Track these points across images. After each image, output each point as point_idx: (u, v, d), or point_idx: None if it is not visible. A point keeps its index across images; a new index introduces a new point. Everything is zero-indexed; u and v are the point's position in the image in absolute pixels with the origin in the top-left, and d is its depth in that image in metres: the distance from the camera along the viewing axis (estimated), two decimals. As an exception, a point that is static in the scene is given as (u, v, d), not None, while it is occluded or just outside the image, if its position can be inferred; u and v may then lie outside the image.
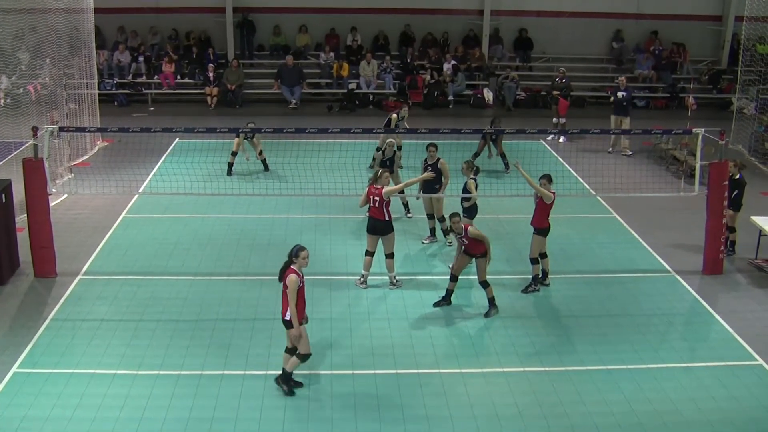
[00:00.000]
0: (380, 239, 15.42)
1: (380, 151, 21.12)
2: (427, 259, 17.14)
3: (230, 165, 22.01)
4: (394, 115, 22.58)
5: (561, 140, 26.47)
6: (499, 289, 15.24)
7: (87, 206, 19.59)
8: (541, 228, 15.53)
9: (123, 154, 22.40)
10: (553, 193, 15.39)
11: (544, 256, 15.71)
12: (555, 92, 27.42)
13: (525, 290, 15.52)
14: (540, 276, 15.68)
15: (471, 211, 16.54)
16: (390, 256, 15.53)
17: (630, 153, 25.49)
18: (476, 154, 22.72)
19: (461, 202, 16.68)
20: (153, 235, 18.08)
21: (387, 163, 18.90)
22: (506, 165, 22.93)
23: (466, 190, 16.50)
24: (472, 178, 16.51)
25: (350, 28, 33.39)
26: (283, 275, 11.79)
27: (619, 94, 25.83)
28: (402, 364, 12.88)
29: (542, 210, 15.46)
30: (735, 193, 16.95)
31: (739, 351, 13.57)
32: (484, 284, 14.56)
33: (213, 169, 21.84)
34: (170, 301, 14.92)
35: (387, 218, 15.28)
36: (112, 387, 12.08)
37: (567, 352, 13.42)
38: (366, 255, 15.54)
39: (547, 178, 15.44)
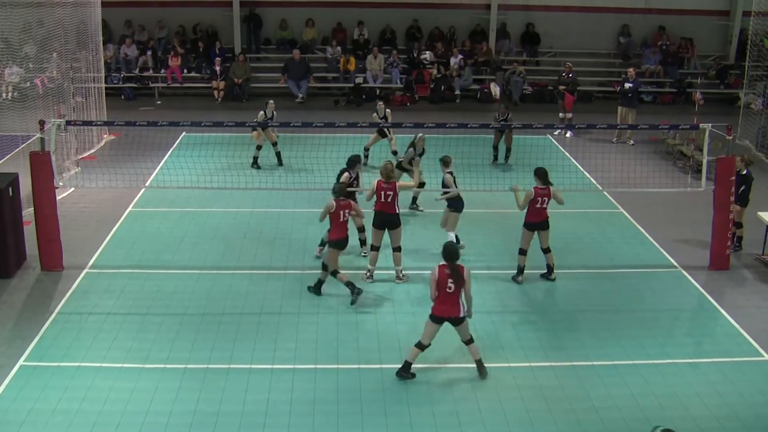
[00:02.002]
0: (388, 233, 15.49)
1: (412, 147, 21.19)
2: (433, 254, 17.10)
3: (255, 158, 22.35)
4: (374, 114, 23.05)
5: (568, 135, 26.46)
6: (506, 284, 15.31)
7: (94, 200, 19.62)
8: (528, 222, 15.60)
9: (130, 148, 22.40)
10: (535, 189, 15.33)
11: (548, 250, 15.72)
12: (561, 87, 27.44)
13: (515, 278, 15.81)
14: (547, 271, 15.76)
15: (456, 204, 16.61)
16: (398, 249, 15.60)
17: (633, 142, 25.63)
18: (494, 147, 22.98)
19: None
20: (160, 228, 18.11)
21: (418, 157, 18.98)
22: (506, 157, 23.29)
23: (445, 184, 16.58)
24: (448, 172, 16.58)
25: (357, 23, 33.37)
26: (461, 274, 11.94)
27: (627, 85, 26.04)
28: (408, 359, 12.89)
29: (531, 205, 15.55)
30: (742, 188, 16.91)
31: (745, 347, 13.55)
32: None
33: (220, 163, 21.85)
34: (177, 295, 14.94)
35: (397, 211, 15.43)
36: (118, 380, 12.11)
37: (573, 347, 13.41)
38: (372, 250, 15.55)
39: (537, 175, 15.49)
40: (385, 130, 22.39)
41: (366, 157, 22.56)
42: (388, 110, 23.37)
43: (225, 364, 12.65)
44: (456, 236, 16.97)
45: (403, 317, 14.27)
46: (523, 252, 15.60)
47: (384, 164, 15.65)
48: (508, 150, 23.18)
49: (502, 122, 22.11)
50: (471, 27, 33.98)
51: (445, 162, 16.78)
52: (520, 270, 15.71)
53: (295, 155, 20.82)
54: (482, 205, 19.46)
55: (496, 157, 23.44)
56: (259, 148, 22.14)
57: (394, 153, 22.35)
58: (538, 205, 15.32)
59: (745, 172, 16.96)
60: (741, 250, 17.35)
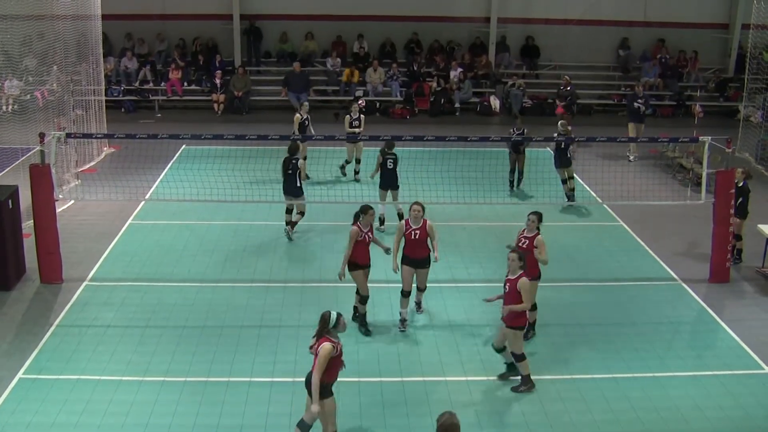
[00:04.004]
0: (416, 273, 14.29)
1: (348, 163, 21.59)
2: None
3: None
4: (347, 117, 22.34)
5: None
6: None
7: (93, 212, 19.62)
8: (534, 276, 13.38)
9: (130, 161, 22.43)
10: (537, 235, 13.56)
11: (534, 307, 13.76)
12: (557, 100, 27.54)
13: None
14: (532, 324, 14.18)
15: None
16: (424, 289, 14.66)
17: (636, 155, 25.55)
18: (511, 171, 22.20)
19: None
20: (159, 241, 18.11)
21: None
22: (518, 181, 22.04)
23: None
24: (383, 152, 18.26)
25: (357, 35, 33.42)
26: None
27: (635, 104, 25.69)
28: (407, 372, 12.86)
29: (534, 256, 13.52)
30: (740, 200, 16.88)
31: (746, 359, 13.54)
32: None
33: (220, 176, 21.80)
34: (176, 308, 14.93)
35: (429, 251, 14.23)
36: (117, 393, 12.09)
37: (573, 359, 13.39)
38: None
39: (539, 217, 13.68)
40: (357, 136, 21.77)
41: (346, 172, 22.57)
42: (363, 115, 22.46)
43: (225, 377, 12.63)
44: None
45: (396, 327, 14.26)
46: (534, 306, 13.76)
47: (413, 206, 14.04)
48: (521, 173, 22.06)
49: (518, 135, 21.59)
50: (471, 40, 34.02)
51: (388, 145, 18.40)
52: (531, 325, 14.07)
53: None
54: (481, 218, 19.48)
55: (512, 184, 22.01)
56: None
57: (344, 166, 22.44)
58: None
59: (741, 184, 16.93)
60: (741, 262, 17.34)
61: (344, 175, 22.68)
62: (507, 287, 12.30)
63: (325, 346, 10.17)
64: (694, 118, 27.17)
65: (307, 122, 22.10)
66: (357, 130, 21.74)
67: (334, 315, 10.35)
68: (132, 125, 28.28)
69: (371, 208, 14.00)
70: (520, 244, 13.38)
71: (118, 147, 25.02)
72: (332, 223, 19.16)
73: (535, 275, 13.25)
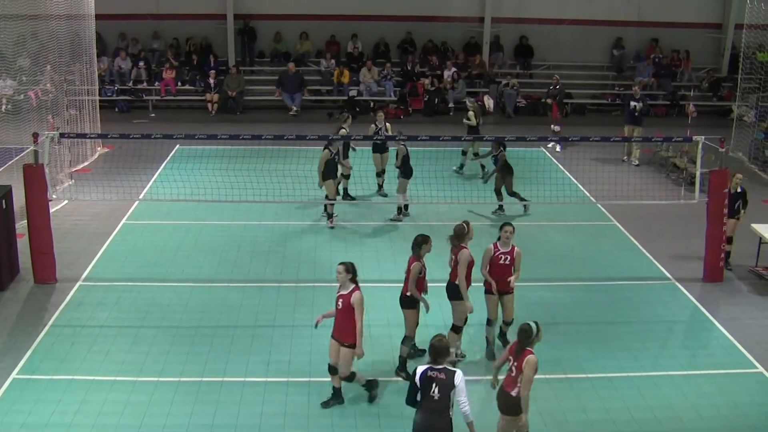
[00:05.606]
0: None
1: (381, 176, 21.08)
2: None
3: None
4: (372, 126, 21.40)
5: (557, 149, 26.35)
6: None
7: (87, 212, 19.58)
8: (511, 290, 13.31)
9: (123, 161, 22.40)
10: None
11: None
12: (548, 99, 27.59)
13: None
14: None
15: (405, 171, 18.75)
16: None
17: (637, 163, 25.20)
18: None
19: None
20: (153, 241, 18.08)
21: None
22: (524, 208, 20.17)
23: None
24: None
25: (351, 35, 33.40)
26: None
27: (632, 103, 25.53)
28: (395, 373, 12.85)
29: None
30: (738, 203, 16.88)
31: (740, 358, 13.56)
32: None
33: (214, 176, 21.78)
34: (170, 308, 14.91)
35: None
36: (111, 393, 12.07)
37: (567, 359, 13.40)
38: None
39: (514, 229, 13.12)
40: (384, 144, 20.82)
41: (381, 186, 21.53)
42: (388, 124, 21.60)
43: (219, 377, 12.62)
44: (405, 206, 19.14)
45: (397, 330, 14.20)
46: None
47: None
48: (516, 195, 19.98)
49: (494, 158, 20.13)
50: (465, 40, 34.02)
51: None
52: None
53: (289, 168, 20.78)
54: (473, 218, 19.39)
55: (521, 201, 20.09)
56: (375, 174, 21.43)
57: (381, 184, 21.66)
58: None
59: (740, 189, 16.95)
60: (729, 267, 17.07)
61: (381, 188, 21.52)
62: (340, 303, 11.54)
63: (533, 360, 9.86)
64: (688, 117, 27.19)
65: (380, 131, 20.67)
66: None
67: (534, 325, 10.00)
68: (126, 125, 28.23)
69: (429, 237, 12.72)
70: (500, 262, 12.87)
71: (111, 147, 24.98)
72: (327, 222, 19.17)
73: (510, 290, 13.11)
